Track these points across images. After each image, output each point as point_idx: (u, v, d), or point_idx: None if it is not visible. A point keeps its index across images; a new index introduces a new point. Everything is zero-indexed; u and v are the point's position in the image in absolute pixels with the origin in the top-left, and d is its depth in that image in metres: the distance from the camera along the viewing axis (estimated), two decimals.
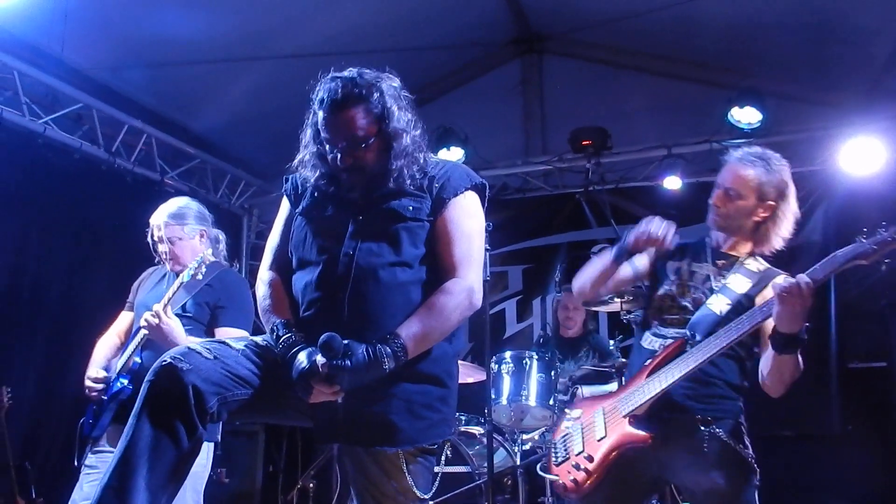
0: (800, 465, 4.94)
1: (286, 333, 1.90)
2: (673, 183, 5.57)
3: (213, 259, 2.96)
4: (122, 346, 3.21)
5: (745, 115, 5.21)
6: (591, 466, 2.31)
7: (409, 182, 1.99)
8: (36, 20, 4.36)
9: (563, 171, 5.93)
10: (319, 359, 1.78)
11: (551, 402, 4.11)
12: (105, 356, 3.14)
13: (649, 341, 2.42)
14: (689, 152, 5.57)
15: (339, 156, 1.94)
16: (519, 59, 6.64)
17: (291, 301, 2.02)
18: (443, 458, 2.06)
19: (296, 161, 2.08)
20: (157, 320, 2.80)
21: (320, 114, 1.95)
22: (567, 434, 2.46)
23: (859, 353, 5.13)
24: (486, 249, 3.60)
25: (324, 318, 1.89)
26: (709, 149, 5.48)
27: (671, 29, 5.66)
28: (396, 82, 2.02)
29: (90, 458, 2.96)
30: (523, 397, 4.15)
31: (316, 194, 2.05)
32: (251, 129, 5.86)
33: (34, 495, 3.80)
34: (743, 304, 2.35)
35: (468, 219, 2.02)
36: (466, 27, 5.99)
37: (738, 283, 2.40)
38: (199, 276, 2.85)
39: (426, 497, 1.95)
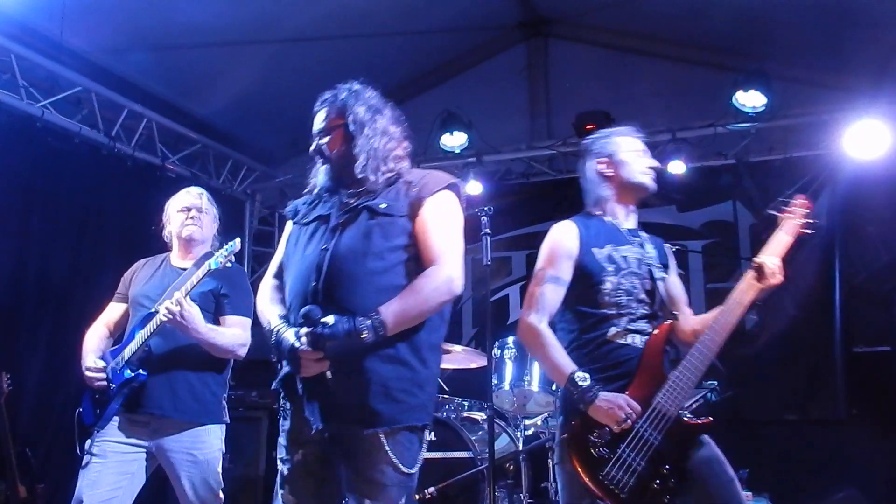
0: (804, 449, 4.94)
1: (276, 323, 2.16)
2: (677, 167, 5.52)
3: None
4: (111, 336, 3.21)
5: (750, 99, 5.16)
6: (674, 478, 2.26)
7: (381, 182, 2.22)
8: (34, 3, 4.33)
9: (567, 155, 5.88)
10: (302, 330, 2.01)
11: (554, 387, 4.09)
12: (97, 347, 3.13)
13: (625, 337, 2.38)
14: (694, 136, 5.53)
15: (312, 144, 2.28)
16: (525, 43, 6.57)
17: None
18: (425, 443, 2.15)
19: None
20: (178, 308, 2.81)
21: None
22: (632, 443, 2.27)
23: (864, 338, 5.10)
24: (487, 234, 3.60)
25: (301, 305, 2.10)
26: (713, 133, 5.45)
27: (677, 12, 5.59)
28: (373, 93, 2.31)
29: (95, 447, 2.95)
30: (526, 382, 4.14)
31: (311, 207, 2.33)
32: (254, 113, 5.83)
33: (36, 483, 3.79)
34: (665, 273, 2.53)
35: (445, 213, 2.20)
36: (472, 10, 5.93)
37: (652, 252, 2.54)
38: (229, 265, 2.86)
39: (412, 472, 2.08)
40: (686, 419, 2.31)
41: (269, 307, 2.26)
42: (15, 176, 4.51)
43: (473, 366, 4.65)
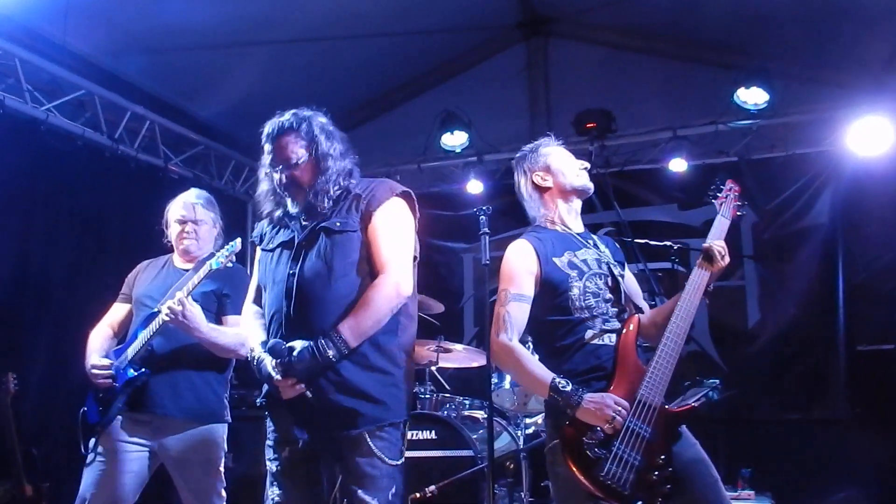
0: (806, 448, 4.93)
1: (258, 350, 2.33)
2: (678, 165, 5.52)
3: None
4: (115, 337, 3.23)
5: (752, 96, 5.15)
6: (670, 467, 2.28)
7: (332, 200, 2.38)
8: (37, 6, 4.34)
9: None
10: (274, 361, 2.21)
11: None
12: (101, 347, 3.16)
13: (601, 338, 2.41)
14: (695, 134, 5.52)
15: (279, 176, 2.38)
16: (524, 43, 6.56)
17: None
18: (406, 436, 2.35)
19: (256, 194, 2.54)
20: (180, 308, 2.83)
21: (266, 147, 2.42)
22: (625, 438, 2.28)
23: (867, 336, 5.08)
24: (486, 234, 3.62)
25: (277, 329, 2.31)
26: (714, 130, 5.44)
27: (677, 9, 5.57)
28: (325, 118, 2.46)
29: (99, 446, 2.98)
30: None
31: (274, 231, 2.48)
32: (256, 114, 5.69)
33: (41, 481, 3.82)
34: (621, 267, 2.59)
35: (393, 222, 2.39)
36: (471, 10, 5.92)
37: (607, 252, 2.59)
38: (230, 265, 2.87)
39: (398, 463, 2.28)
40: (668, 407, 2.33)
41: (252, 333, 2.43)
42: (19, 178, 4.53)
43: (474, 365, 4.66)
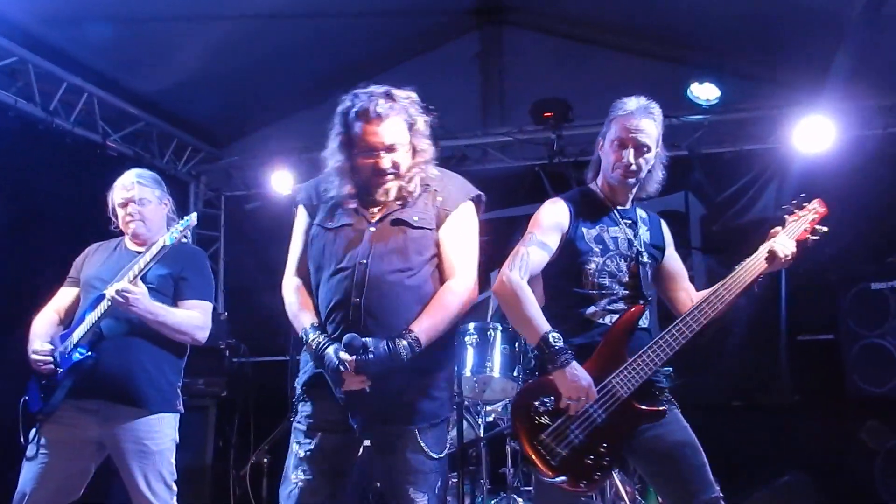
0: (750, 434, 5.07)
1: (314, 334, 2.23)
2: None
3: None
4: (62, 323, 3.06)
5: (705, 92, 5.27)
6: (608, 458, 2.28)
7: (415, 192, 2.30)
8: None
9: (522, 143, 5.88)
10: (345, 356, 2.11)
11: (515, 373, 4.09)
12: (46, 332, 2.99)
13: (603, 317, 2.41)
14: None
15: (377, 161, 2.24)
16: (478, 30, 6.52)
17: (314, 303, 2.33)
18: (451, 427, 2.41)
19: (324, 173, 2.38)
20: (125, 289, 2.73)
21: (357, 125, 2.23)
22: (569, 419, 2.30)
23: (808, 326, 5.28)
24: None
25: (343, 320, 2.21)
26: (667, 124, 5.50)
27: (632, 3, 5.63)
28: (417, 99, 2.35)
29: (41, 437, 2.82)
30: (487, 369, 4.10)
31: (333, 207, 2.34)
32: (201, 91, 5.60)
33: None
34: (656, 256, 2.56)
35: (467, 228, 2.36)
36: None
37: (645, 234, 2.56)
38: (185, 240, 2.74)
39: (441, 456, 2.29)
40: (636, 404, 2.33)
41: (301, 313, 2.30)
42: None
43: None
